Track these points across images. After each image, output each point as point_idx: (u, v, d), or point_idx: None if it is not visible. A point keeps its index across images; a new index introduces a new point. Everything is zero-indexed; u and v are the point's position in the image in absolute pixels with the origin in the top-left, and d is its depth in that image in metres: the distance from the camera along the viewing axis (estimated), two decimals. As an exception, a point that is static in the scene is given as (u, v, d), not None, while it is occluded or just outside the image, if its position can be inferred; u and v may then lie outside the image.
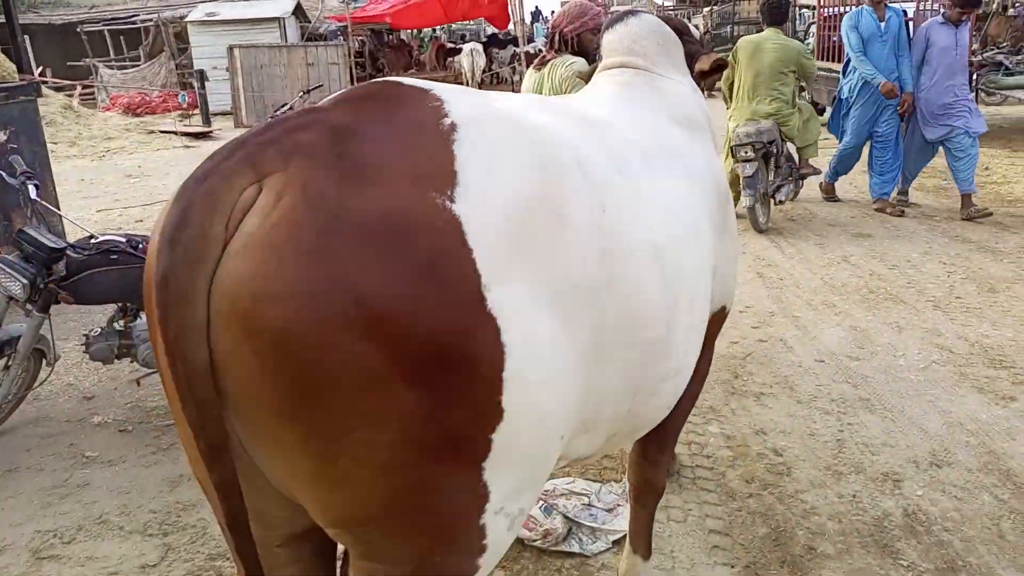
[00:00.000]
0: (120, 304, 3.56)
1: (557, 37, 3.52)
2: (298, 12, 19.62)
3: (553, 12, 56.77)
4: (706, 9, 24.94)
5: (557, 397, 1.23)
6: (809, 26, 14.10)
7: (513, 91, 18.47)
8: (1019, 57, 13.53)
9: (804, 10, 21.87)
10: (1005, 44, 14.82)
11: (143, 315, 3.55)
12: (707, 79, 2.20)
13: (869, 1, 6.74)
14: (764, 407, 3.49)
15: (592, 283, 1.28)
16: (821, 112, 13.07)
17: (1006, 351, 3.97)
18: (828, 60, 11.88)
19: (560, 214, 1.25)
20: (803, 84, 7.42)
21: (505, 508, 1.23)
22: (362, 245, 1.05)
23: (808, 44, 13.70)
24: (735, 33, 17.88)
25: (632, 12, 2.10)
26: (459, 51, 20.53)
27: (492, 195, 1.17)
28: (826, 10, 12.26)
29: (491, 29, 28.55)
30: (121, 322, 3.60)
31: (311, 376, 1.06)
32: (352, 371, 1.05)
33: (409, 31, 26.24)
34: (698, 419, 3.36)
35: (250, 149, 1.11)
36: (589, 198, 1.33)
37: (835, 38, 11.97)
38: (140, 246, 3.33)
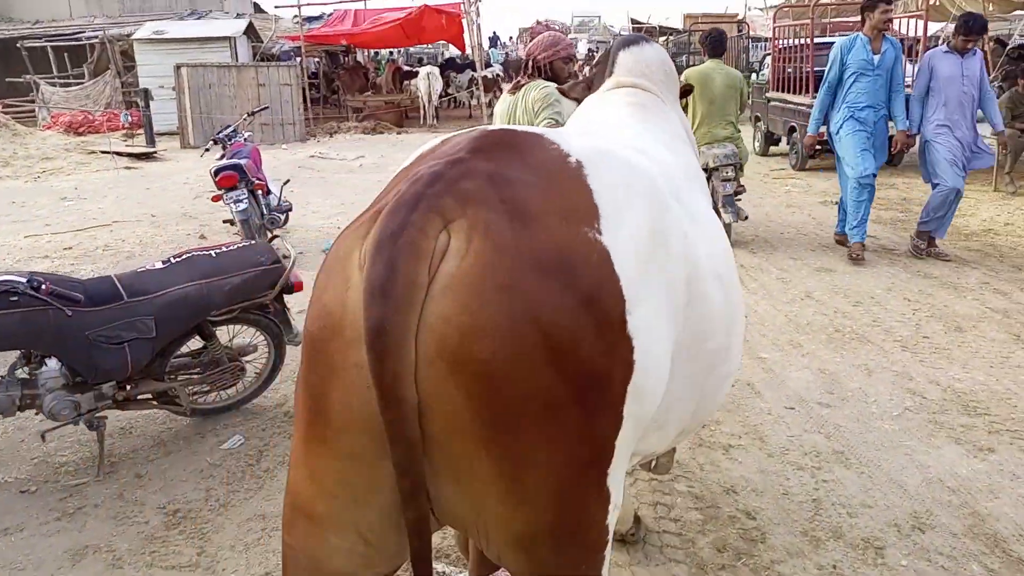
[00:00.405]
0: (23, 351, 3.18)
1: (531, 64, 3.65)
2: (250, 32, 19.19)
3: (511, 37, 56.89)
4: (661, 39, 25.31)
5: (656, 404, 1.37)
6: (764, 57, 14.20)
7: (470, 115, 18.32)
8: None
9: (758, 42, 22.34)
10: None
11: (50, 361, 3.17)
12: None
13: (867, 29, 6.03)
14: (734, 461, 3.26)
15: (680, 304, 1.42)
16: (776, 142, 13.19)
17: (979, 396, 3.82)
18: (783, 91, 11.96)
19: (666, 243, 1.39)
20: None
21: (616, 506, 1.35)
22: (541, 280, 1.16)
23: (762, 75, 13.84)
24: (690, 63, 18.02)
25: (645, 39, 2.27)
26: (415, 74, 20.31)
27: (626, 227, 1.29)
28: (780, 42, 12.36)
29: (450, 52, 28.52)
30: (25, 369, 3.21)
31: (509, 403, 1.16)
32: (541, 396, 1.17)
33: (366, 53, 26.01)
34: (664, 476, 3.10)
35: (431, 201, 1.20)
36: (679, 226, 1.47)
37: (789, 69, 12.09)
38: (42, 287, 2.96)
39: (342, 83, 21.03)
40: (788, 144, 11.87)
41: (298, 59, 18.77)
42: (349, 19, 20.14)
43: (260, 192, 6.85)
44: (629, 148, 1.65)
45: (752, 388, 3.96)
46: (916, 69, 6.35)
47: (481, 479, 1.22)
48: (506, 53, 49.43)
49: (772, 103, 12.37)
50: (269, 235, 7.14)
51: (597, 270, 1.22)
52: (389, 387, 1.14)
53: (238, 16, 20.83)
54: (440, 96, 20.23)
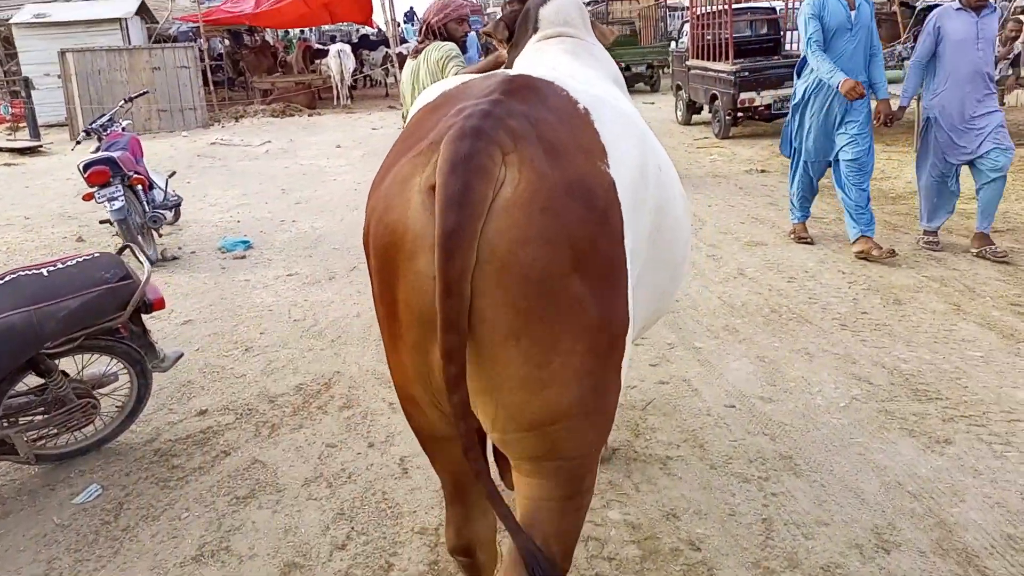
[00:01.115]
0: None
1: (426, 28, 3.84)
2: (143, 12, 17.88)
3: (427, 13, 55.91)
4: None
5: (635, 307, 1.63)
6: (682, 25, 13.91)
7: (387, 94, 17.49)
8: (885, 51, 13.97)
9: (674, 11, 22.14)
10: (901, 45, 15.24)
11: None
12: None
13: None
14: (673, 477, 2.87)
15: (654, 226, 1.70)
16: (698, 111, 12.97)
17: (927, 378, 3.54)
18: (703, 59, 11.69)
19: (646, 177, 1.67)
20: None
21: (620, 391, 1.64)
22: (570, 203, 1.43)
23: (681, 43, 13.56)
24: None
25: None
26: (326, 53, 19.35)
27: (624, 164, 1.58)
28: (699, 9, 12.06)
29: (364, 29, 27.44)
30: None
31: (542, 299, 1.41)
32: (567, 293, 1.43)
33: (275, 32, 24.75)
34: (597, 501, 2.69)
35: (495, 135, 1.43)
36: (654, 161, 1.74)
37: (708, 36, 11.82)
38: None
39: (247, 64, 19.91)
40: (711, 112, 11.63)
41: (198, 40, 17.59)
42: (251, -3, 18.98)
43: (140, 187, 6.13)
44: (607, 96, 1.83)
45: (689, 385, 3.59)
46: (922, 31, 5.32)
47: (510, 365, 1.43)
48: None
49: (693, 71, 12.11)
50: (156, 235, 6.44)
51: (608, 195, 1.49)
52: (454, 281, 1.34)
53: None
54: (353, 75, 19.38)
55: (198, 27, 18.24)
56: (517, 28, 2.49)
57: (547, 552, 1.55)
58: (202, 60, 16.76)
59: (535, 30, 2.38)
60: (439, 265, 1.34)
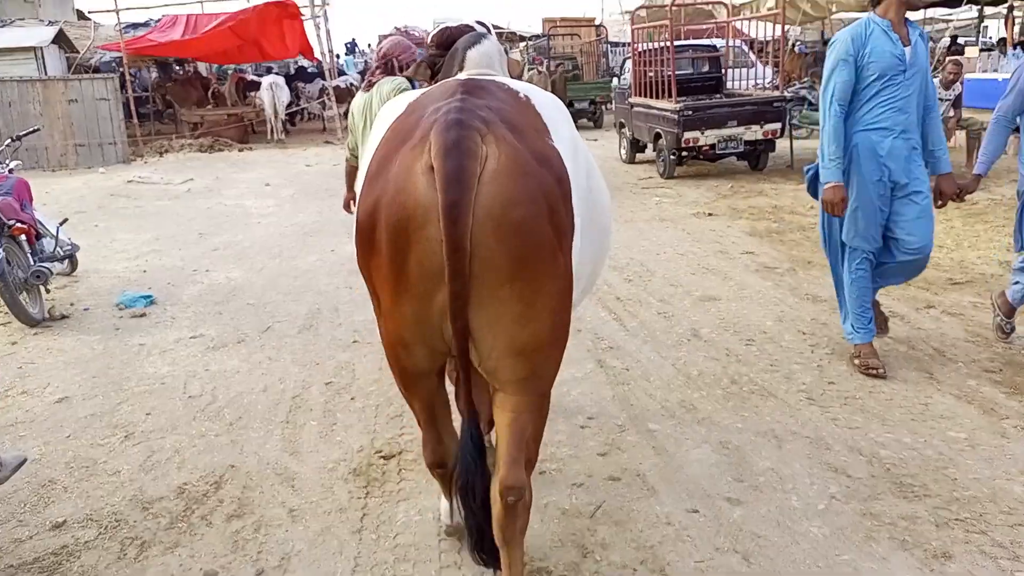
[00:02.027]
0: None
1: (385, 64, 3.97)
2: (62, 42, 16.96)
3: (370, 45, 55.60)
4: (522, 44, 24.79)
5: (579, 254, 2.10)
6: (624, 61, 13.72)
7: (324, 128, 16.83)
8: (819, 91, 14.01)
9: (615, 47, 22.18)
10: (806, 80, 15.37)
11: None
12: None
13: (882, 10, 3.75)
14: (629, 617, 2.34)
15: (587, 187, 2.18)
16: (642, 149, 12.72)
17: (910, 467, 3.12)
18: (646, 96, 11.46)
19: (576, 148, 2.20)
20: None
21: None
22: (540, 168, 1.93)
23: (624, 79, 13.33)
24: (551, 68, 17.44)
25: (485, 35, 2.72)
26: (260, 85, 18.65)
27: (562, 138, 2.12)
28: (640, 45, 11.86)
29: (304, 61, 26.80)
30: None
31: (528, 248, 1.87)
32: (545, 242, 1.90)
33: (208, 63, 23.91)
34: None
35: (471, 123, 1.89)
36: (579, 137, 2.34)
37: (651, 74, 11.61)
38: None
39: (175, 96, 19.04)
40: (655, 151, 11.37)
41: (115, 69, 16.71)
42: (179, 26, 18.17)
43: (24, 237, 5.41)
44: (549, 97, 2.39)
45: (644, 482, 3.08)
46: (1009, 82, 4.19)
47: (504, 304, 1.90)
48: (365, 61, 47.85)
49: (636, 109, 11.87)
50: (44, 290, 5.69)
51: (559, 163, 2.02)
52: (458, 240, 1.80)
53: (50, 24, 18.39)
54: (289, 108, 18.71)
55: (122, 57, 17.37)
56: (444, 66, 2.79)
57: (528, 452, 2.10)
58: (125, 91, 15.90)
59: (461, 68, 2.62)
60: (446, 229, 1.79)
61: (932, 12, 22.85)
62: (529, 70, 16.19)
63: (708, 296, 5.42)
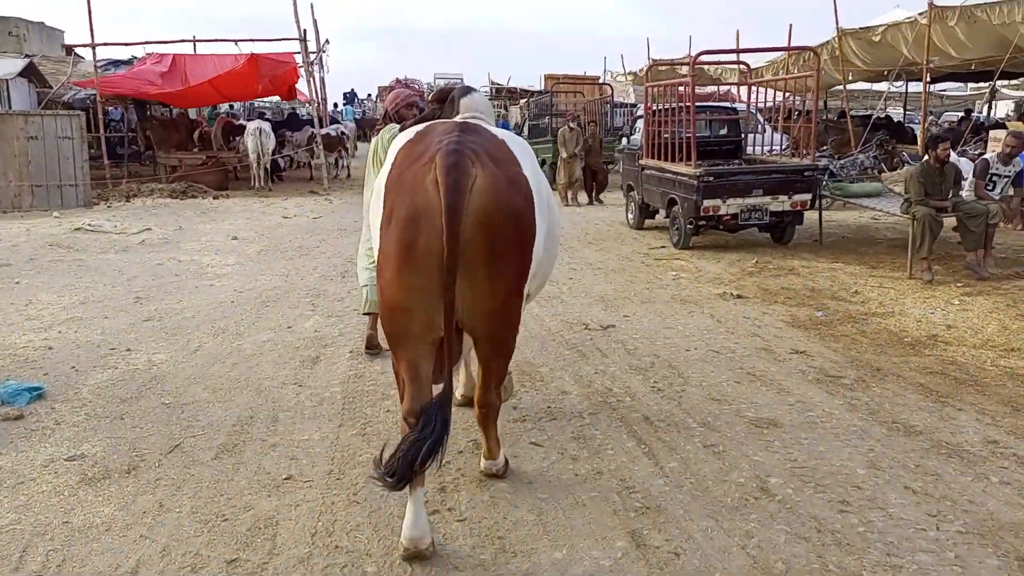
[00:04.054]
0: None
1: (388, 114, 4.93)
2: (32, 75, 15.88)
3: (369, 95, 55.24)
4: (523, 101, 24.00)
5: (539, 257, 3.06)
6: (635, 120, 12.67)
7: (311, 177, 15.69)
8: (842, 161, 12.96)
9: (617, 108, 21.32)
10: (826, 149, 14.37)
11: None
12: None
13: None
14: None
15: (545, 206, 3.12)
16: (652, 215, 11.58)
17: None
18: (659, 158, 10.37)
19: (537, 176, 3.11)
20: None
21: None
22: (511, 188, 2.83)
23: (633, 140, 12.26)
24: (554, 125, 16.46)
25: (474, 89, 3.77)
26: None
27: (528, 168, 3.01)
28: (655, 105, 10.79)
29: (302, 108, 25.90)
30: None
31: (500, 241, 2.78)
32: (512, 239, 2.82)
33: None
34: None
35: (465, 152, 2.75)
36: (539, 170, 3.26)
37: (666, 134, 10.56)
38: None
39: (154, 137, 17.91)
40: (668, 218, 10.21)
41: (90, 107, 15.60)
42: (163, 68, 17.17)
43: None
44: (519, 140, 3.39)
45: None
46: None
47: (482, 280, 2.80)
48: (363, 111, 47.27)
49: (647, 172, 10.75)
50: None
51: (525, 186, 2.94)
52: (456, 230, 2.63)
53: (27, 57, 17.37)
54: (273, 154, 17.57)
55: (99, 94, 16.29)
56: (444, 112, 3.64)
57: (495, 381, 3.20)
58: (92, 130, 14.75)
59: (456, 112, 3.54)
60: (446, 223, 2.64)
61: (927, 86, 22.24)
62: (560, 125, 15.60)
63: (765, 420, 4.11)
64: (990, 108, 22.31)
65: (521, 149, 3.13)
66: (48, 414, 4.25)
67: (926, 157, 7.94)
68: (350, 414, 4.23)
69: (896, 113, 23.75)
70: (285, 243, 10.07)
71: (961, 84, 22.04)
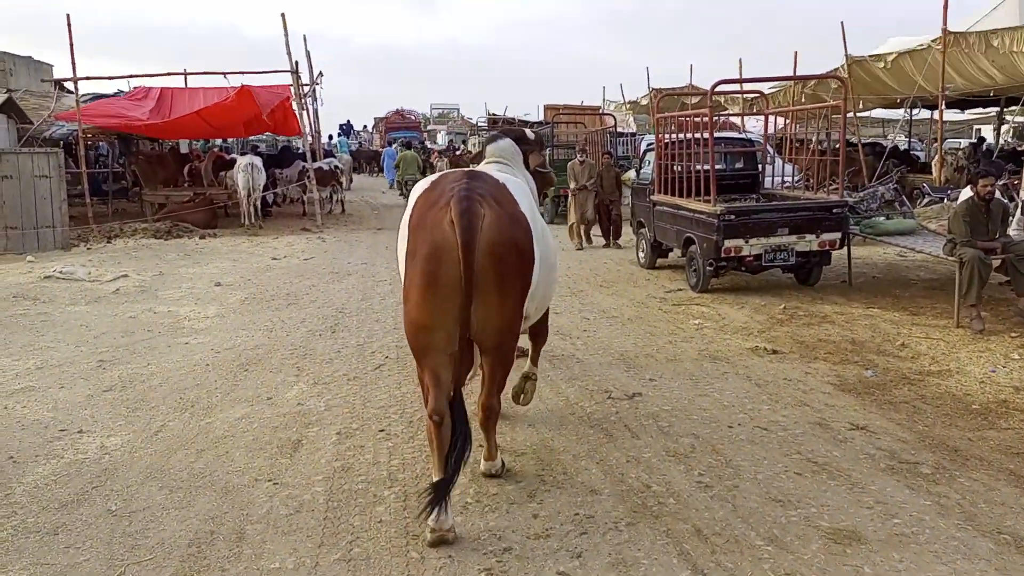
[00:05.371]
0: None
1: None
2: (11, 111, 15.24)
3: (365, 126, 54.73)
4: (483, 130, 23.42)
5: (537, 282, 3.72)
6: (645, 152, 12.00)
7: (304, 213, 15.04)
8: (861, 194, 12.28)
9: (618, 137, 20.76)
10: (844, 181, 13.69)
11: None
12: (536, 174, 4.80)
13: None
14: None
15: (541, 237, 3.77)
16: (665, 254, 10.83)
17: None
18: (672, 194, 9.69)
19: (534, 214, 3.84)
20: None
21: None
22: (512, 224, 3.50)
23: (643, 174, 11.60)
24: (555, 156, 15.84)
25: (501, 136, 4.71)
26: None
27: (525, 206, 3.71)
28: (667, 137, 10.13)
29: (297, 141, 25.32)
30: None
31: (505, 270, 3.41)
32: (515, 267, 3.47)
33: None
34: None
35: (473, 197, 3.39)
36: (536, 209, 4.09)
37: (677, 168, 9.91)
38: None
39: (141, 173, 17.23)
40: (684, 257, 9.51)
41: (74, 142, 14.94)
42: (150, 101, 16.57)
43: None
44: (517, 183, 4.00)
45: None
46: None
47: (492, 301, 3.37)
48: (359, 143, 46.77)
49: (660, 208, 10.06)
50: None
51: (524, 222, 3.59)
52: (470, 262, 3.24)
53: (7, 92, 16.73)
54: (264, 190, 16.90)
55: (87, 129, 15.64)
56: (476, 155, 4.79)
57: (496, 387, 3.72)
58: (72, 167, 14.06)
59: (483, 157, 4.58)
60: (463, 256, 3.24)
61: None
62: (562, 158, 15.27)
63: (844, 532, 3.34)
64: (998, 135, 21.77)
65: (517, 190, 3.82)
66: (-35, 528, 3.48)
67: (971, 194, 7.26)
68: (333, 527, 3.46)
69: (901, 141, 23.23)
70: (272, 290, 9.33)
71: (958, 110, 21.61)
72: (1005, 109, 18.67)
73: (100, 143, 19.36)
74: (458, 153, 27.32)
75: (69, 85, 16.61)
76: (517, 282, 3.48)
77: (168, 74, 16.42)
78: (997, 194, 7.50)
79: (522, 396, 4.67)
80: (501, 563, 3.14)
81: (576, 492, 3.77)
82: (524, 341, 4.50)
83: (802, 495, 3.70)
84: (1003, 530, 3.36)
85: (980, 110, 21.46)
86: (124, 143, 18.84)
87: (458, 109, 49.24)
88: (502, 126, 30.09)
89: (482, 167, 4.28)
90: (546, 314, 4.53)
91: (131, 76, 16.27)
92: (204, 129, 16.66)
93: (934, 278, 9.26)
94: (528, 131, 5.08)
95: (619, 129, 21.40)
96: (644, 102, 23.23)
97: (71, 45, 14.41)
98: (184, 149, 21.88)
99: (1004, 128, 22.38)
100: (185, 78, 17.38)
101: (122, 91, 17.32)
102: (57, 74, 18.27)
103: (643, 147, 13.72)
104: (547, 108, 22.18)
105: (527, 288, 3.59)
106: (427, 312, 3.36)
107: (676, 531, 3.36)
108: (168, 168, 18.14)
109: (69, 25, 14.38)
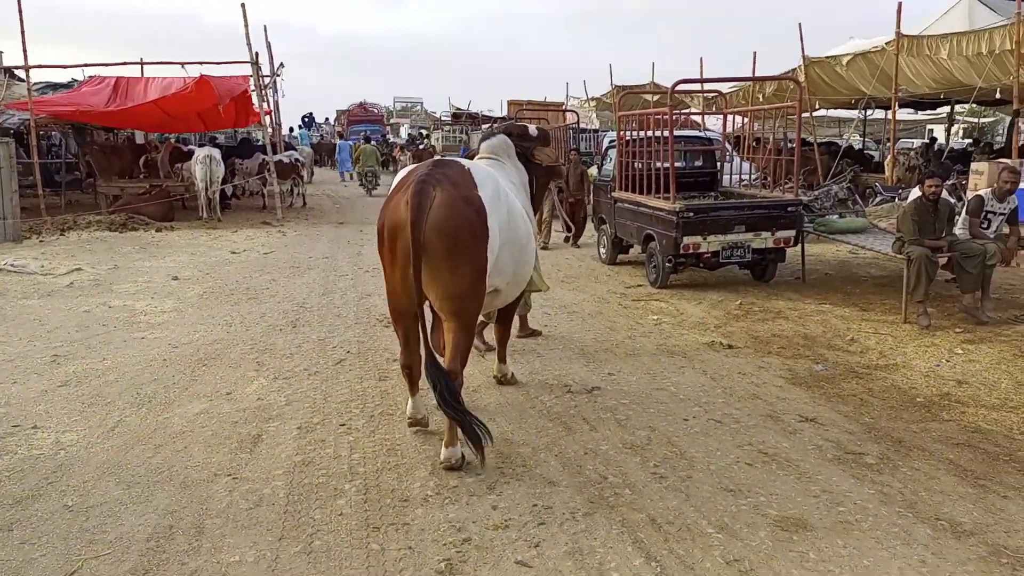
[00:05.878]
0: None
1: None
2: (-40, 98, 14.79)
3: (327, 119, 54.21)
4: (485, 126, 23.47)
5: (496, 256, 4.14)
6: (607, 149, 12.12)
7: (264, 206, 14.82)
8: (815, 193, 12.57)
9: (581, 133, 20.91)
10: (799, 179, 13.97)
11: None
12: (542, 167, 5.30)
13: None
14: None
15: (504, 221, 4.24)
16: (625, 250, 11.04)
17: None
18: (633, 191, 9.84)
19: (498, 198, 4.25)
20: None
21: (487, 291, 4.22)
22: (466, 204, 3.97)
23: (604, 170, 11.74)
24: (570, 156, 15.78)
25: (495, 133, 5.19)
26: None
27: (487, 190, 4.16)
28: (628, 134, 10.26)
29: (257, 132, 24.97)
30: None
31: (456, 243, 3.88)
32: (466, 241, 3.92)
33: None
34: None
35: (430, 182, 3.93)
36: (505, 195, 4.42)
37: (638, 165, 10.06)
38: None
39: (95, 164, 16.85)
40: (644, 254, 9.65)
41: (25, 132, 14.55)
42: (105, 90, 16.18)
43: None
44: (487, 170, 4.44)
45: None
46: None
47: (443, 271, 3.88)
48: (320, 135, 46.22)
49: (620, 205, 10.19)
50: None
51: (479, 203, 4.04)
52: (417, 236, 3.77)
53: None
54: (223, 183, 16.65)
55: (39, 118, 15.23)
56: (476, 152, 5.24)
57: (459, 354, 4.02)
58: (23, 157, 13.72)
59: (479, 152, 5.13)
60: (411, 232, 3.75)
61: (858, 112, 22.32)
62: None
63: (792, 520, 3.48)
64: (948, 135, 22.40)
65: (483, 174, 4.26)
66: (-85, 526, 3.42)
67: (920, 193, 7.51)
68: (293, 520, 3.48)
69: (856, 141, 23.77)
70: (231, 284, 9.23)
71: (912, 110, 22.24)
72: (954, 109, 19.25)
73: (53, 132, 18.87)
74: (421, 147, 27.23)
75: (20, 73, 16.19)
76: (466, 255, 3.91)
77: (124, 63, 16.03)
78: (944, 194, 7.75)
79: (505, 378, 5.44)
80: (460, 553, 3.20)
81: (535, 484, 3.85)
82: (490, 335, 4.98)
83: (752, 485, 3.83)
84: (941, 517, 3.53)
85: (932, 111, 22.10)
86: (78, 133, 18.41)
87: (421, 103, 49.01)
88: (466, 120, 30.09)
89: (474, 161, 4.87)
90: (519, 299, 5.15)
91: (85, 65, 15.83)
92: (161, 118, 16.32)
93: (884, 275, 9.54)
94: (531, 127, 5.48)
95: (582, 125, 21.56)
96: (607, 99, 23.41)
97: (22, 32, 14.02)
98: (140, 139, 21.44)
99: (954, 128, 23.09)
100: (142, 68, 17.04)
101: (76, 80, 16.88)
102: (7, 61, 17.75)
103: (605, 144, 13.83)
104: (511, 103, 22.22)
105: (481, 261, 3.98)
106: (390, 279, 4.13)
107: (631, 520, 3.46)
108: (124, 159, 17.77)
109: (20, 10, 14.00)
